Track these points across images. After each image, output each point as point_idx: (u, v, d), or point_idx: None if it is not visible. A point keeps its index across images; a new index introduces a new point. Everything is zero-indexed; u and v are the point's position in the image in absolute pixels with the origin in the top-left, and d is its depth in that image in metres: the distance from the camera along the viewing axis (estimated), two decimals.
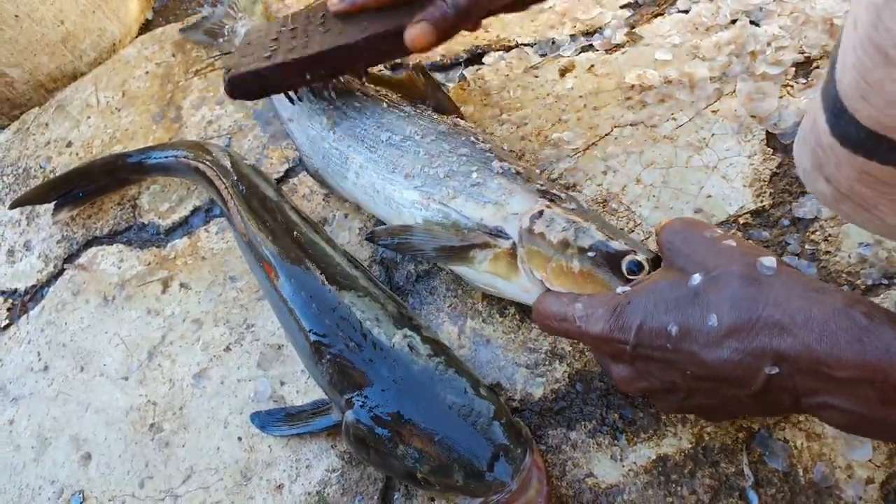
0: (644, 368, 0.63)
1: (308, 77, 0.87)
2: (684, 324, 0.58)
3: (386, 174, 0.89)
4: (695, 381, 0.60)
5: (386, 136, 0.91)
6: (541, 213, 0.78)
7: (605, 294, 0.68)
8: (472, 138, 0.88)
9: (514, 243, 0.79)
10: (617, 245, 0.73)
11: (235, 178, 0.96)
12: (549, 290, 0.74)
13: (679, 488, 0.73)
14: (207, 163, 1.00)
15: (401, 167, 0.88)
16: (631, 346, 0.61)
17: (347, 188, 0.96)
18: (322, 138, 0.97)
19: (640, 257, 0.71)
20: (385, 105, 0.96)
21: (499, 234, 0.80)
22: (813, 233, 0.83)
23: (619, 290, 0.66)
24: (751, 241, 0.66)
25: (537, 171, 0.93)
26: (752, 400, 0.58)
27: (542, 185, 0.82)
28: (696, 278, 0.59)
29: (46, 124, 1.30)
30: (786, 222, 0.84)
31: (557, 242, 0.75)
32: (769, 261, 0.57)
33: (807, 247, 0.82)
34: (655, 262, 0.71)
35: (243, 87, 0.88)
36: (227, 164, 0.99)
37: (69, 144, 1.25)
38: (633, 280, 0.70)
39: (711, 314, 0.56)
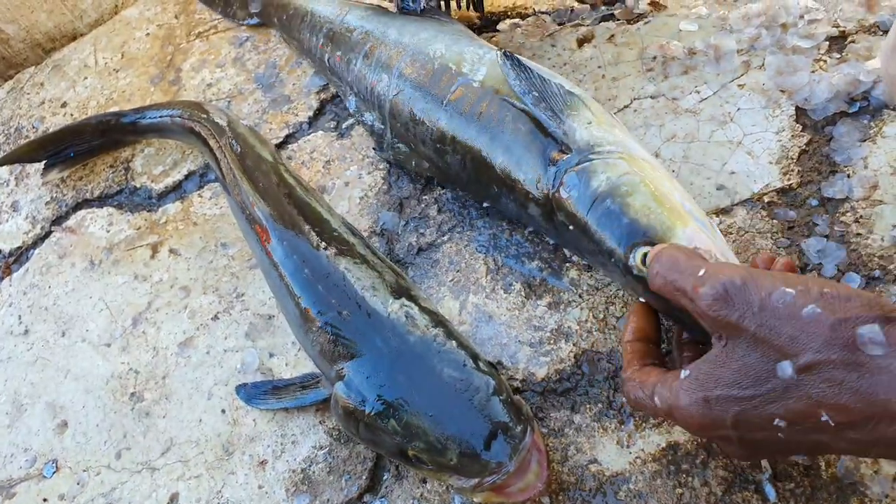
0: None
1: None
2: (792, 417, 0.51)
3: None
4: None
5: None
6: None
7: (672, 376, 0.58)
8: None
9: None
10: None
11: (231, 136, 0.91)
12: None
13: (690, 479, 0.68)
14: (203, 122, 0.95)
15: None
16: (734, 436, 0.54)
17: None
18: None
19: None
20: None
21: None
22: (843, 214, 0.77)
23: (683, 374, 0.56)
24: (832, 285, 0.52)
25: None
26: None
27: None
28: (786, 369, 0.50)
29: (41, 84, 1.25)
30: (814, 202, 0.78)
31: None
32: (870, 330, 0.47)
33: (836, 228, 0.76)
34: None
35: None
36: (224, 123, 0.94)
37: (64, 105, 1.21)
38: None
39: (822, 413, 0.49)
